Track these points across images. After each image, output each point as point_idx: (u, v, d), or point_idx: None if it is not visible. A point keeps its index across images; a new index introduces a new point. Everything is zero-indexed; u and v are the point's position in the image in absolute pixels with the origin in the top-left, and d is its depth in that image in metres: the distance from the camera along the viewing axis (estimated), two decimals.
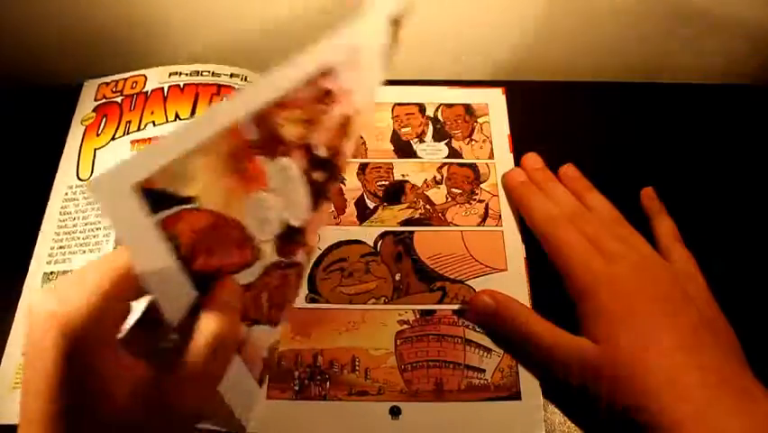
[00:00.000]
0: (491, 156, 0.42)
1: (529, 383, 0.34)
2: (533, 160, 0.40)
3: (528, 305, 0.36)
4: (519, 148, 0.42)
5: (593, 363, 0.30)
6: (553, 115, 0.44)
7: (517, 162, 0.41)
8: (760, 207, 0.40)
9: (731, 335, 0.31)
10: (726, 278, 0.33)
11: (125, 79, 0.44)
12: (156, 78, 0.44)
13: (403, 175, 0.41)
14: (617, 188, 0.38)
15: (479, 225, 0.39)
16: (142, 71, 0.44)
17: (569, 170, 0.40)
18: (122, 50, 0.48)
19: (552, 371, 0.33)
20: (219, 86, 0.43)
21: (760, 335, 0.30)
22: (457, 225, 0.39)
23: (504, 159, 0.42)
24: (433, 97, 0.45)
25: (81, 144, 0.42)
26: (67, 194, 0.40)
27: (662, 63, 0.50)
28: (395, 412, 0.33)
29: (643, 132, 0.44)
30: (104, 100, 0.43)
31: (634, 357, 0.29)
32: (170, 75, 0.44)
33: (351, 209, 0.40)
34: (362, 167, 0.41)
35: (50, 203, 0.40)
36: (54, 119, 0.43)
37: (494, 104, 0.44)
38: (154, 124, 0.42)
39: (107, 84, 0.44)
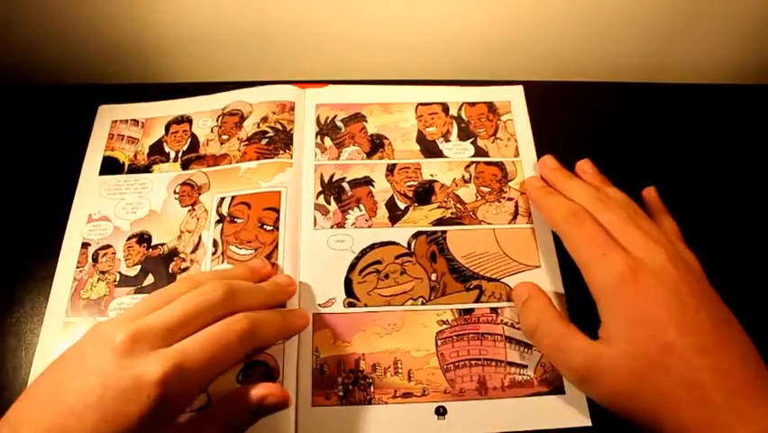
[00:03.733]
0: (517, 154, 0.41)
1: None
2: (549, 162, 0.39)
3: (563, 301, 0.36)
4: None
5: (611, 367, 0.29)
6: (553, 114, 0.43)
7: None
8: (760, 207, 0.40)
9: (745, 334, 0.30)
10: (726, 278, 0.32)
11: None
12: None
13: (431, 175, 0.40)
14: (617, 187, 0.37)
15: (510, 222, 0.38)
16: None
17: (585, 165, 0.39)
18: (132, 59, 0.47)
19: (561, 371, 0.32)
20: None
21: (760, 334, 0.29)
22: (489, 224, 0.38)
23: (530, 157, 0.41)
24: (455, 96, 0.44)
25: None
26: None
27: (662, 63, 0.50)
28: (441, 412, 0.32)
29: (643, 132, 0.43)
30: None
31: (652, 359, 0.28)
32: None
33: (382, 211, 0.39)
34: (390, 168, 0.40)
35: (75, 200, 0.39)
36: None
37: (516, 101, 0.44)
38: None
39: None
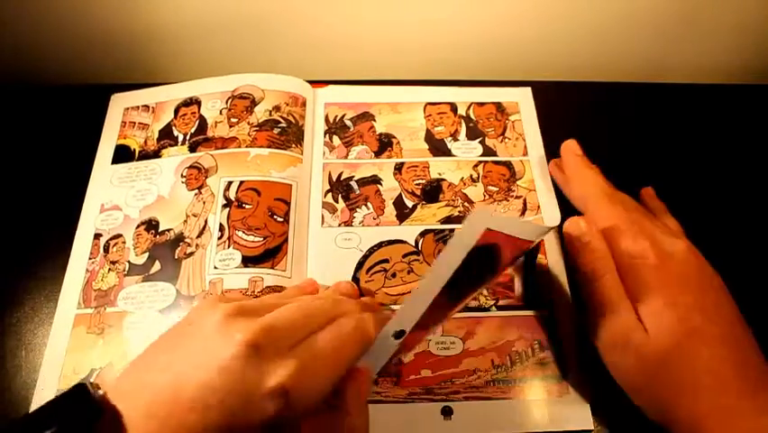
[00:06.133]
0: (525, 153, 0.41)
1: (578, 380, 0.32)
2: (573, 146, 0.38)
3: (569, 296, 0.35)
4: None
5: (640, 345, 0.28)
6: (558, 114, 0.43)
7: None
8: (760, 207, 0.39)
9: (750, 330, 0.29)
10: (726, 277, 0.31)
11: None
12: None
13: (439, 174, 0.39)
14: (617, 187, 0.36)
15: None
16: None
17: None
18: (140, 58, 0.47)
19: (596, 334, 0.30)
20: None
21: (760, 334, 0.29)
22: None
23: (538, 156, 0.40)
24: (463, 96, 0.43)
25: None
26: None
27: (662, 63, 0.49)
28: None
29: (642, 132, 0.43)
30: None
31: (678, 346, 0.28)
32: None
33: (390, 209, 0.38)
34: (398, 166, 0.40)
35: (88, 191, 0.39)
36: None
37: (524, 102, 0.43)
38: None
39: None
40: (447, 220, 0.38)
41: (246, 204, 0.37)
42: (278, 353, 0.23)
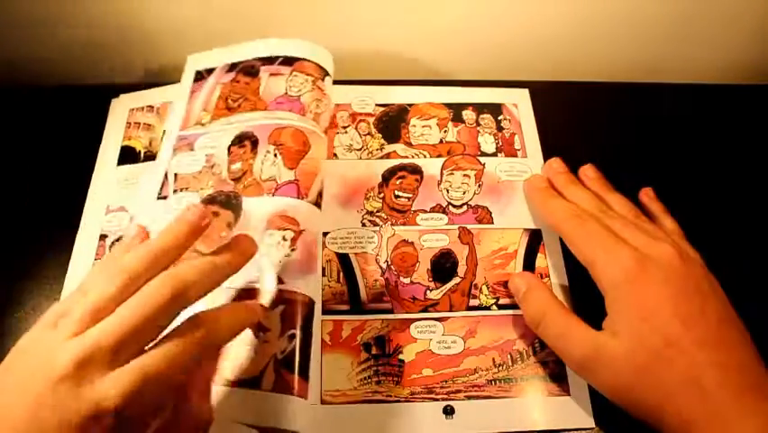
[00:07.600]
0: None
1: (577, 379, 0.32)
2: (555, 165, 0.39)
3: (567, 293, 0.35)
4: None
5: (614, 359, 0.28)
6: (556, 114, 0.43)
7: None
8: (760, 207, 0.39)
9: (747, 333, 0.29)
10: (727, 277, 0.31)
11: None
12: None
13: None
14: (617, 188, 0.37)
15: None
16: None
17: (589, 170, 0.38)
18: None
19: (564, 360, 0.31)
20: None
21: (760, 334, 0.28)
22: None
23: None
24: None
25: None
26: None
27: (662, 63, 0.49)
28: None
29: (641, 132, 0.43)
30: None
31: (656, 353, 0.27)
32: None
33: None
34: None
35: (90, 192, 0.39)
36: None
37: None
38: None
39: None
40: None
41: None
42: (105, 374, 0.22)
